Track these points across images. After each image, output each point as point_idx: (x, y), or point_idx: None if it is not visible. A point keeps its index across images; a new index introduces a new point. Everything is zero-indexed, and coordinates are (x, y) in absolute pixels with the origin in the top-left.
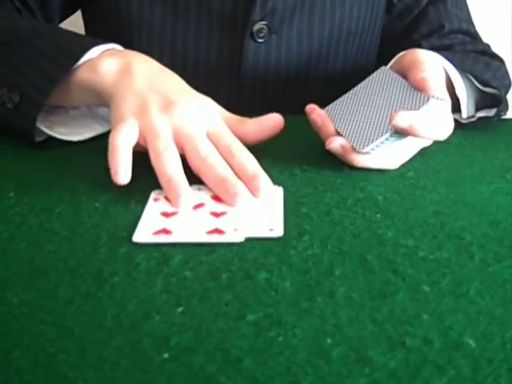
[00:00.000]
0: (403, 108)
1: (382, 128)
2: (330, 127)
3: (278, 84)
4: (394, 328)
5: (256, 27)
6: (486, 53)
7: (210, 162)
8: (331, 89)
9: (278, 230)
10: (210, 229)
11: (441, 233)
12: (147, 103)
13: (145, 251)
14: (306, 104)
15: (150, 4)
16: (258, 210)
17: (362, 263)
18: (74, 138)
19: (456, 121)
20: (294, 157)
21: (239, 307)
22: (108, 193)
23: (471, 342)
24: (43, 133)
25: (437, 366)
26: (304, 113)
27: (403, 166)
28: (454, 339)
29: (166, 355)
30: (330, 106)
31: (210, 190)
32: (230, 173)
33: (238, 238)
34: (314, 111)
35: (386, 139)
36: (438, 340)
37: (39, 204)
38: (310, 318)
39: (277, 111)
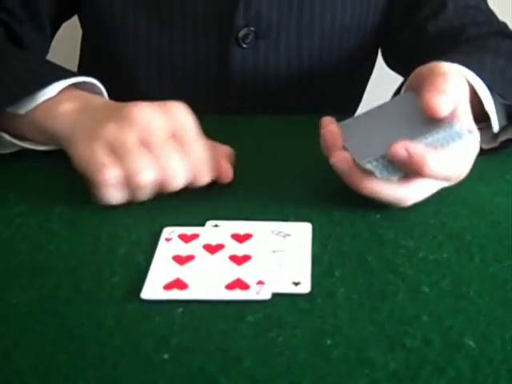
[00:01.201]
0: (419, 128)
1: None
2: (339, 145)
3: (268, 89)
4: (394, 328)
5: (242, 33)
6: (504, 34)
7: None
8: (326, 89)
9: (304, 285)
10: (230, 280)
11: (441, 233)
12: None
13: (145, 251)
14: (298, 107)
15: (135, 14)
16: (283, 257)
17: (362, 264)
18: (41, 148)
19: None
20: (293, 157)
21: (239, 307)
22: None
23: (471, 342)
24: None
25: (437, 367)
26: (299, 113)
27: None
28: (453, 340)
29: (165, 355)
30: (347, 122)
31: (228, 226)
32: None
33: (264, 295)
34: (327, 125)
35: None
36: (438, 340)
37: (39, 204)
38: (310, 318)
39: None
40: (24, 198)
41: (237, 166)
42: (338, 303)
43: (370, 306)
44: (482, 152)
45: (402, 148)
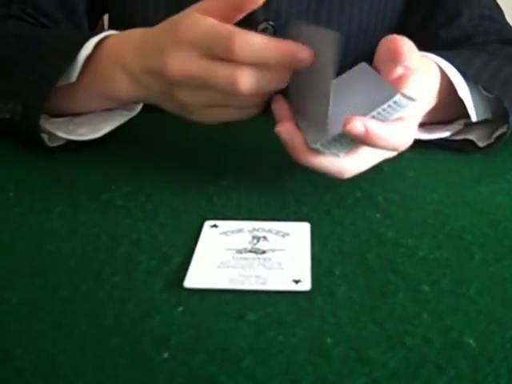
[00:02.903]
0: (364, 103)
1: (337, 124)
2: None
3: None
4: (394, 327)
5: (261, 27)
6: None
7: None
8: None
9: (305, 283)
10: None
11: (441, 233)
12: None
13: (145, 251)
14: None
15: (155, 5)
16: (283, 256)
17: (362, 263)
18: (95, 136)
19: (473, 144)
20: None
21: (239, 307)
22: (108, 193)
23: (471, 341)
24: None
25: (437, 366)
26: None
27: (403, 166)
28: (453, 339)
29: (165, 355)
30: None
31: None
32: None
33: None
34: (277, 101)
35: (340, 138)
36: (438, 339)
37: (39, 204)
38: (310, 317)
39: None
40: (24, 197)
41: (236, 165)
42: (338, 302)
43: (370, 305)
44: (481, 151)
45: (361, 125)
